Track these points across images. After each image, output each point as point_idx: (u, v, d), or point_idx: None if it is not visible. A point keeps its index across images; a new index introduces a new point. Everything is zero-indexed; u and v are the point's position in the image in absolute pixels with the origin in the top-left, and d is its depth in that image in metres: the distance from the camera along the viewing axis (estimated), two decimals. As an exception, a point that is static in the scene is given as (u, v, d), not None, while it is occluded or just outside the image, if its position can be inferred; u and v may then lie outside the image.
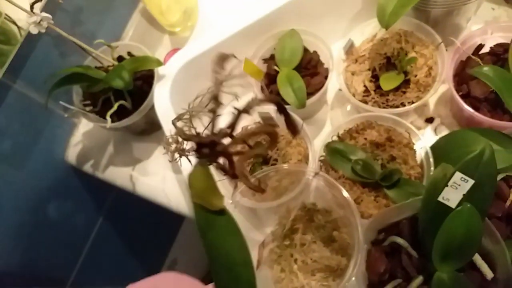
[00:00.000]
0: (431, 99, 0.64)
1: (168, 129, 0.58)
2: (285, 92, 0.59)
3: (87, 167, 0.78)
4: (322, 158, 0.58)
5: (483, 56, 0.58)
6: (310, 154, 0.58)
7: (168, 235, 1.22)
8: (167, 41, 0.83)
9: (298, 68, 0.62)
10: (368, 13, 0.62)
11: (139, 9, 0.85)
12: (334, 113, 0.68)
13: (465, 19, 0.63)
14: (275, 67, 0.63)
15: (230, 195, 0.58)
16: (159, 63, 0.61)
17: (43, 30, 0.56)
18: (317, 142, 0.61)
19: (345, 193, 0.49)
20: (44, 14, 0.55)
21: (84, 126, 0.80)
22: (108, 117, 0.61)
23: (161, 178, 0.72)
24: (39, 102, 0.70)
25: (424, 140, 0.56)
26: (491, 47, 0.58)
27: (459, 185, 0.42)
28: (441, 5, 0.56)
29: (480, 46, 0.58)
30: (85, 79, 0.63)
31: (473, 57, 0.54)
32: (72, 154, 0.79)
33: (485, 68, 0.46)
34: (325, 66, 0.64)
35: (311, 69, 0.63)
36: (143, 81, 0.67)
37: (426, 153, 0.53)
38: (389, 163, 0.55)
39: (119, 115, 0.66)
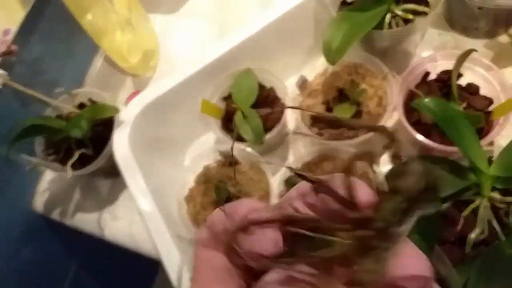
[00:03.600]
0: (388, 125, 0.65)
1: (127, 175, 0.58)
2: (243, 129, 0.60)
3: (55, 215, 0.77)
4: (282, 193, 0.58)
5: (431, 83, 0.60)
6: (271, 190, 0.59)
7: (146, 278, 1.21)
8: (130, 83, 0.84)
9: (256, 105, 0.64)
10: (320, 47, 0.64)
11: (100, 53, 0.86)
12: (295, 146, 0.69)
13: (413, 46, 0.66)
14: (233, 106, 0.64)
15: (191, 233, 0.59)
16: (116, 110, 0.62)
17: (0, 87, 0.57)
18: (280, 176, 0.62)
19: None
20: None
21: (50, 173, 0.80)
22: (68, 168, 0.61)
23: (128, 222, 0.72)
24: (2, 154, 0.69)
25: (382, 168, 0.57)
26: (437, 74, 0.60)
27: (407, 216, 0.43)
28: (385, 39, 0.58)
29: (427, 74, 0.60)
30: (45, 130, 0.64)
31: (414, 90, 0.56)
32: (39, 202, 0.79)
33: (426, 100, 0.47)
34: (282, 101, 0.65)
35: (268, 105, 0.65)
36: (104, 127, 0.68)
37: (381, 183, 0.54)
38: (348, 193, 0.56)
39: (82, 162, 0.66)
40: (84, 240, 0.91)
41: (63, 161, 0.68)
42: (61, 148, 0.68)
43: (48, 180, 0.80)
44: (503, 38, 0.65)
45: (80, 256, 0.92)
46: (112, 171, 0.74)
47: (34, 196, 0.79)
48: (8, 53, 0.56)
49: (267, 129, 0.62)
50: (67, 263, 0.90)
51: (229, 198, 0.61)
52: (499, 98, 0.56)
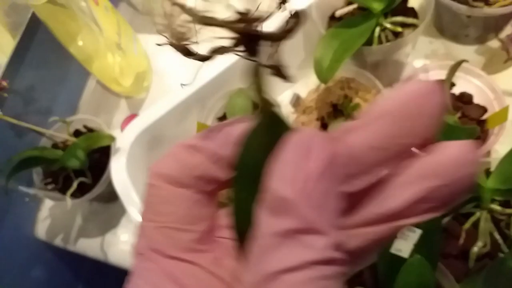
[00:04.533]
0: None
1: (127, 202, 0.58)
2: (240, 150, 0.60)
3: (58, 241, 0.77)
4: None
5: (424, 94, 0.60)
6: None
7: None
8: (124, 104, 0.83)
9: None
10: (311, 62, 0.64)
11: (93, 77, 0.86)
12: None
13: (404, 56, 0.66)
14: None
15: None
16: (112, 139, 0.62)
17: (-8, 122, 0.57)
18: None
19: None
20: (-9, 107, 0.56)
21: (51, 200, 0.80)
22: (68, 198, 0.61)
23: (130, 245, 0.72)
24: (1, 185, 0.69)
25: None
26: (430, 84, 0.60)
27: (408, 235, 0.43)
28: (375, 54, 0.58)
29: (420, 85, 0.60)
30: (42, 161, 0.64)
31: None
32: (41, 229, 0.79)
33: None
34: (277, 118, 0.65)
35: (263, 123, 0.65)
36: (101, 154, 0.67)
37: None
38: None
39: (81, 189, 0.66)
40: (89, 262, 0.91)
41: (62, 190, 0.68)
42: (59, 177, 0.68)
43: (49, 207, 0.80)
44: (493, 43, 0.65)
45: (85, 278, 0.92)
46: (112, 196, 0.74)
47: (35, 224, 0.79)
48: (-1, 89, 0.56)
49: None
50: (73, 285, 0.90)
51: (229, 219, 0.62)
52: (492, 106, 0.56)
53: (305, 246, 0.14)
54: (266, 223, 0.15)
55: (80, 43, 0.72)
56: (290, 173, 0.15)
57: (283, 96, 0.69)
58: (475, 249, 0.47)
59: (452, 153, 0.16)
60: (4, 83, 0.56)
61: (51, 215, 0.79)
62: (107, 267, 0.75)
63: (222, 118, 0.67)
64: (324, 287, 0.14)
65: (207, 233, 0.19)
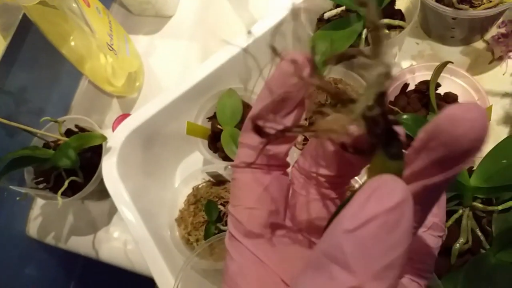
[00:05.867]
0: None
1: (118, 200, 0.59)
2: (229, 150, 0.61)
3: (49, 239, 0.78)
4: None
5: (410, 94, 0.61)
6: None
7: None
8: (116, 105, 0.84)
9: (241, 124, 0.65)
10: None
11: (85, 77, 0.86)
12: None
13: (392, 56, 0.67)
14: (219, 126, 0.65)
15: (186, 258, 0.59)
16: (103, 138, 0.62)
17: (-16, 122, 0.57)
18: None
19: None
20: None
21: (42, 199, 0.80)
22: (59, 197, 0.61)
23: (122, 242, 0.73)
24: (-8, 184, 0.70)
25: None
26: (415, 85, 0.61)
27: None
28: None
29: (406, 86, 0.61)
30: (33, 160, 0.64)
31: (391, 106, 0.57)
32: (33, 228, 0.79)
33: (404, 117, 0.49)
34: (266, 118, 0.66)
35: (253, 122, 0.65)
36: (92, 153, 0.68)
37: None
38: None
39: (72, 188, 0.67)
40: (81, 259, 0.92)
41: (53, 189, 0.69)
42: (50, 176, 0.68)
43: (41, 206, 0.80)
44: (478, 44, 0.67)
45: (77, 274, 0.93)
46: (103, 195, 0.75)
47: (27, 223, 0.80)
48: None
49: (253, 147, 0.63)
50: (65, 283, 0.91)
51: (219, 217, 0.62)
52: (476, 106, 0.58)
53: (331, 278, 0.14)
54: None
55: (72, 44, 0.73)
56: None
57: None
58: (457, 245, 0.48)
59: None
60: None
61: (42, 214, 0.80)
62: (99, 264, 0.76)
63: (212, 118, 0.68)
64: None
65: (279, 211, 0.22)
